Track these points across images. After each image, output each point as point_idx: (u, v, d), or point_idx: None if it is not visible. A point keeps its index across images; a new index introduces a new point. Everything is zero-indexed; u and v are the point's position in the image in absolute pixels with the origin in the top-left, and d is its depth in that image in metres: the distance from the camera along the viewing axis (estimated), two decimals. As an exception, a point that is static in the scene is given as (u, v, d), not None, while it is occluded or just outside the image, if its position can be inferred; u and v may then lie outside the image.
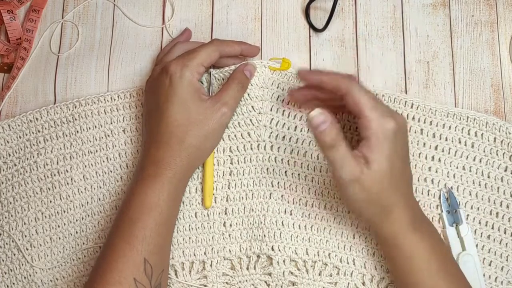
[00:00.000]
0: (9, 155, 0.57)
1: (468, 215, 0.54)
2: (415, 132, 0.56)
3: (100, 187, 0.56)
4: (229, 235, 0.55)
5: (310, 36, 0.60)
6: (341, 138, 0.46)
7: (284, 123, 0.56)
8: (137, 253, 0.47)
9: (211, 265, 0.54)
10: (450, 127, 0.55)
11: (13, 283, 0.55)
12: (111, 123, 0.57)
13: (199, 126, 0.51)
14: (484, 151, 0.55)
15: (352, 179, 0.46)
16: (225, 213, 0.55)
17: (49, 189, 0.56)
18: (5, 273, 0.55)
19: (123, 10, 0.61)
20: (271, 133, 0.56)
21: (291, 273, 0.54)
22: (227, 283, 0.54)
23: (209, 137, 0.52)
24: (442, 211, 0.54)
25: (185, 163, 0.51)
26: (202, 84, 0.56)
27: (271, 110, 0.56)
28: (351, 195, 0.47)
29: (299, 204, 0.55)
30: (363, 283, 0.53)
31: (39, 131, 0.57)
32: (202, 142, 0.52)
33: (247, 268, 0.54)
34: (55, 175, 0.56)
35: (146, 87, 0.55)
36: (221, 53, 0.54)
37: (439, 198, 0.54)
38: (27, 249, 0.55)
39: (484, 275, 0.53)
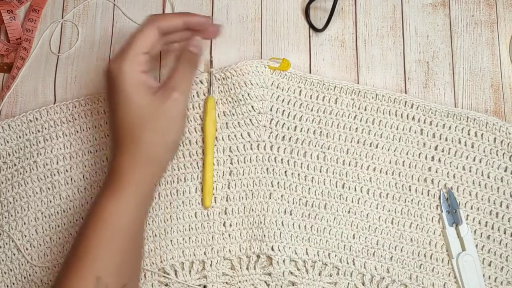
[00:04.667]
0: (9, 155, 0.57)
1: (468, 215, 0.54)
2: (415, 132, 0.56)
3: (100, 187, 0.56)
4: (229, 235, 0.55)
5: (310, 36, 0.60)
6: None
7: (284, 123, 0.56)
8: (88, 271, 0.44)
9: (211, 265, 0.54)
10: (450, 127, 0.55)
11: (13, 283, 0.55)
12: (111, 123, 0.57)
13: (153, 120, 0.47)
14: (484, 151, 0.55)
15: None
16: (225, 213, 0.55)
17: (49, 189, 0.56)
18: (5, 273, 0.55)
19: (123, 10, 0.61)
20: (271, 133, 0.56)
21: (291, 273, 0.54)
22: (227, 283, 0.54)
23: (169, 129, 0.48)
24: (442, 211, 0.54)
25: (147, 166, 0.47)
26: (202, 84, 0.56)
27: (271, 110, 0.56)
28: None
29: (299, 204, 0.55)
30: (363, 283, 0.54)
31: (39, 131, 0.57)
32: (162, 137, 0.48)
33: (247, 268, 0.54)
34: (55, 175, 0.56)
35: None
36: (160, 30, 0.48)
37: (439, 198, 0.54)
38: (27, 249, 0.55)
39: (484, 275, 0.53)
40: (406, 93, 0.58)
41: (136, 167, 0.47)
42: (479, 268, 0.52)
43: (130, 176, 0.47)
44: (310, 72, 0.59)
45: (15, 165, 0.57)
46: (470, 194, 0.54)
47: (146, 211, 0.50)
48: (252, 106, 0.56)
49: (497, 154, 0.55)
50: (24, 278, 0.55)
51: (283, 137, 0.56)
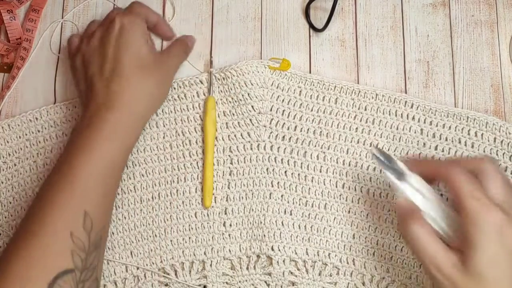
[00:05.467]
0: (9, 155, 0.57)
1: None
2: (415, 132, 0.56)
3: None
4: (229, 235, 0.55)
5: (310, 36, 0.60)
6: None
7: (284, 123, 0.56)
8: (76, 204, 0.44)
9: (211, 265, 0.54)
10: (450, 127, 0.55)
11: (13, 283, 0.55)
12: (111, 123, 0.57)
13: (154, 72, 0.52)
14: (484, 151, 0.55)
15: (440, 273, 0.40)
16: (225, 213, 0.55)
17: (49, 189, 0.56)
18: (5, 273, 0.55)
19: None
20: (271, 133, 0.56)
21: (291, 273, 0.54)
22: (227, 283, 0.54)
23: (163, 84, 0.53)
24: (381, 171, 0.49)
25: (141, 106, 0.51)
26: (202, 84, 0.57)
27: (271, 110, 0.56)
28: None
29: (299, 204, 0.55)
30: (363, 283, 0.54)
31: (39, 131, 0.57)
32: (156, 89, 0.52)
33: (247, 268, 0.54)
34: (55, 175, 0.56)
35: (77, 49, 0.55)
36: (146, 17, 0.55)
37: (372, 159, 0.51)
38: (27, 249, 0.55)
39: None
40: (406, 93, 0.58)
41: (132, 102, 0.50)
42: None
43: (126, 106, 0.49)
44: (310, 72, 0.59)
45: (15, 165, 0.57)
46: (470, 194, 0.54)
47: (130, 149, 0.51)
48: (252, 106, 0.56)
49: (497, 154, 0.55)
50: (24, 278, 0.55)
51: (283, 137, 0.56)
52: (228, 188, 0.55)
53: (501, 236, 0.38)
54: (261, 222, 0.54)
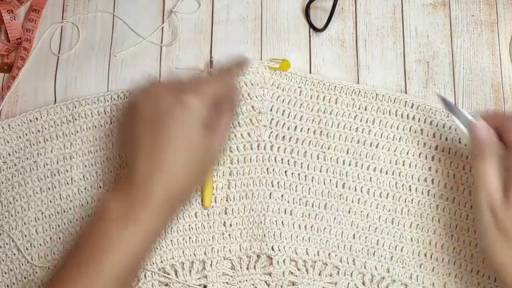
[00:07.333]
0: (9, 155, 0.57)
1: (468, 215, 0.54)
2: (415, 132, 0.56)
3: (100, 187, 0.56)
4: (229, 235, 0.55)
5: (310, 36, 0.60)
6: (494, 153, 0.46)
7: (284, 123, 0.56)
8: None
9: (211, 265, 0.54)
10: (450, 127, 0.55)
11: (13, 283, 0.55)
12: (111, 123, 0.57)
13: (198, 155, 0.48)
14: (484, 151, 0.55)
15: (485, 205, 0.46)
16: (225, 213, 0.55)
17: (49, 189, 0.56)
18: (5, 273, 0.55)
19: (121, 12, 0.61)
20: (271, 133, 0.56)
21: (291, 273, 0.54)
22: (227, 283, 0.54)
23: (201, 166, 0.49)
24: (448, 115, 0.52)
25: (176, 194, 0.47)
26: None
27: (271, 110, 0.56)
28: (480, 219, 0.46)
29: (299, 204, 0.55)
30: (363, 283, 0.54)
31: (39, 131, 0.57)
32: (196, 173, 0.48)
33: (247, 268, 0.54)
34: (55, 175, 0.56)
35: (137, 101, 0.49)
36: (214, 96, 0.49)
37: (440, 101, 0.52)
38: (27, 249, 0.55)
39: (483, 275, 0.53)
40: (406, 93, 0.58)
41: (166, 191, 0.46)
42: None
43: (158, 198, 0.45)
44: (310, 72, 0.59)
45: (15, 165, 0.57)
46: (470, 194, 0.54)
47: (156, 240, 0.48)
48: (252, 106, 0.56)
49: (497, 154, 0.55)
50: (24, 278, 0.55)
51: (283, 137, 0.56)
52: (228, 188, 0.55)
53: None
54: (261, 222, 0.54)
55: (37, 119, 0.57)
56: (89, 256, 0.44)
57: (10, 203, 0.56)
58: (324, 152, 0.56)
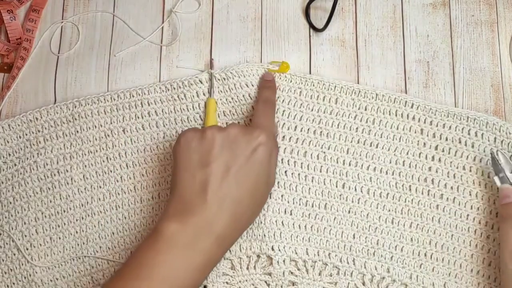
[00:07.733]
0: (9, 155, 0.57)
1: (468, 215, 0.54)
2: (415, 132, 0.56)
3: (100, 187, 0.56)
4: (229, 235, 0.55)
5: (310, 36, 0.60)
6: None
7: (284, 123, 0.56)
8: None
9: (211, 265, 0.54)
10: (450, 127, 0.55)
11: (13, 283, 0.55)
12: (111, 123, 0.57)
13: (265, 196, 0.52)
14: (484, 151, 0.55)
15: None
16: (225, 213, 0.55)
17: (49, 189, 0.56)
18: (5, 273, 0.55)
19: (121, 12, 0.61)
20: (271, 133, 0.56)
21: (291, 273, 0.54)
22: (227, 283, 0.54)
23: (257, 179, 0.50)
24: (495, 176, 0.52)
25: (230, 220, 0.47)
26: (202, 84, 0.57)
27: (271, 110, 0.56)
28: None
29: (299, 204, 0.55)
30: (363, 283, 0.54)
31: (39, 131, 0.57)
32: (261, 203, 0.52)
33: (247, 268, 0.54)
34: (55, 175, 0.56)
35: (219, 138, 0.48)
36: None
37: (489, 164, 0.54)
38: (27, 249, 0.55)
39: (483, 275, 0.53)
40: (406, 93, 0.58)
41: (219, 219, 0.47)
42: None
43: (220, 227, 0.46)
44: (310, 72, 0.59)
45: (15, 165, 0.57)
46: (470, 194, 0.54)
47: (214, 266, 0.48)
48: (253, 107, 0.56)
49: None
50: (24, 278, 0.55)
51: (283, 137, 0.56)
52: (228, 188, 0.55)
53: None
54: (261, 222, 0.54)
55: (37, 119, 0.57)
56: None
57: (10, 203, 0.56)
58: (324, 152, 0.56)
